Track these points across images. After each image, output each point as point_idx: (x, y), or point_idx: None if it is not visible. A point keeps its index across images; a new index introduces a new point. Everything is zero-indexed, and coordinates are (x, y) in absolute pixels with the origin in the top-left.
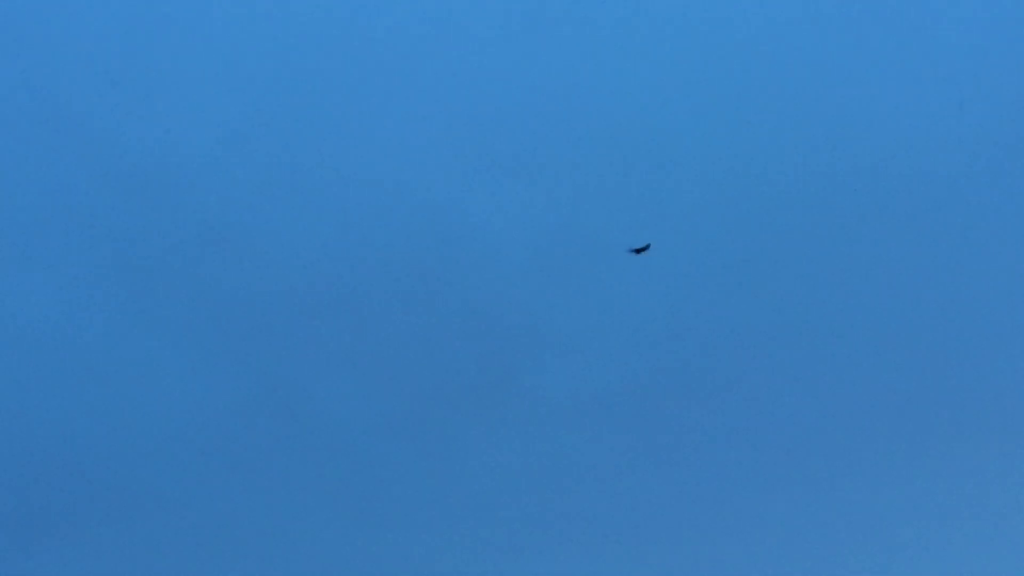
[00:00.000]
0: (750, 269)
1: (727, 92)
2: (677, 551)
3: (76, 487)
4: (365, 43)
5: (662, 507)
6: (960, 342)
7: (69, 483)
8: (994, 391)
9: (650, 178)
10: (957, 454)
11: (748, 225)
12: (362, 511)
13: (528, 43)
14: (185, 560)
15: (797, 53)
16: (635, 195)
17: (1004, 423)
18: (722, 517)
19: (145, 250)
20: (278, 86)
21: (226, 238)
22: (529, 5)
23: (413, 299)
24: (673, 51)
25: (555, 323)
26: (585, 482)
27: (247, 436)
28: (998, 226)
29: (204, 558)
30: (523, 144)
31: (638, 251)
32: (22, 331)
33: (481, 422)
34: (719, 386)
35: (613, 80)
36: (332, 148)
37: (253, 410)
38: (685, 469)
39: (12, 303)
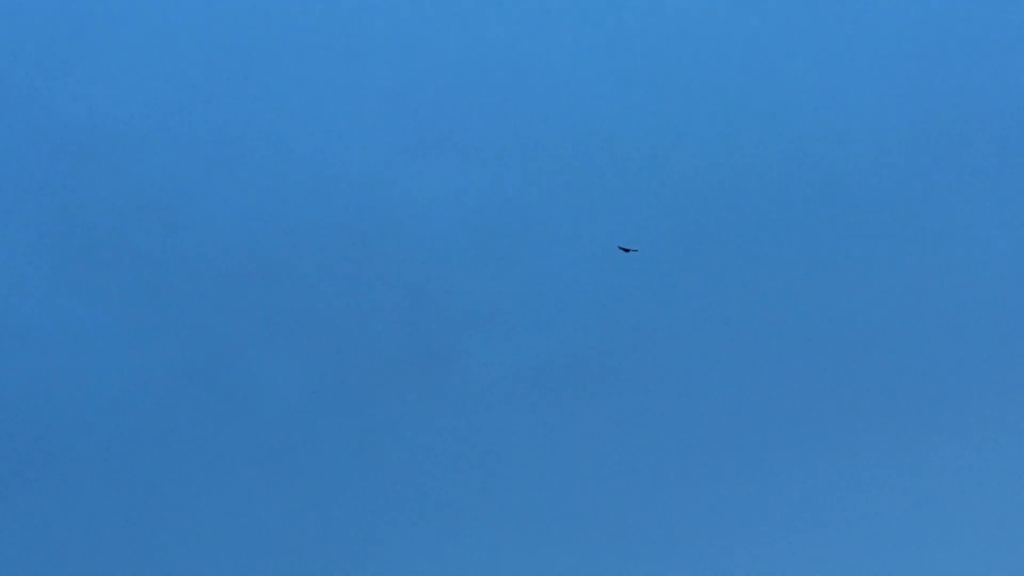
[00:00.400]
0: (683, 252)
1: (659, 76)
2: (606, 522)
3: (8, 451)
4: (303, 18)
5: (593, 480)
6: (885, 336)
7: (0, 447)
8: (938, 381)
9: (586, 160)
10: (879, 441)
11: (681, 209)
12: (295, 480)
13: (465, 23)
14: (118, 523)
15: (738, 46)
16: (571, 177)
17: (942, 413)
18: (651, 490)
19: (80, 218)
20: (215, 59)
21: (161, 210)
22: None
23: (349, 273)
24: (611, 34)
25: (490, 300)
26: (518, 456)
27: (181, 404)
28: (945, 222)
29: (136, 521)
30: (464, 123)
31: (626, 250)
32: None
33: (415, 396)
34: (650, 364)
35: (548, 61)
36: (270, 122)
37: (187, 378)
38: (616, 444)
39: None
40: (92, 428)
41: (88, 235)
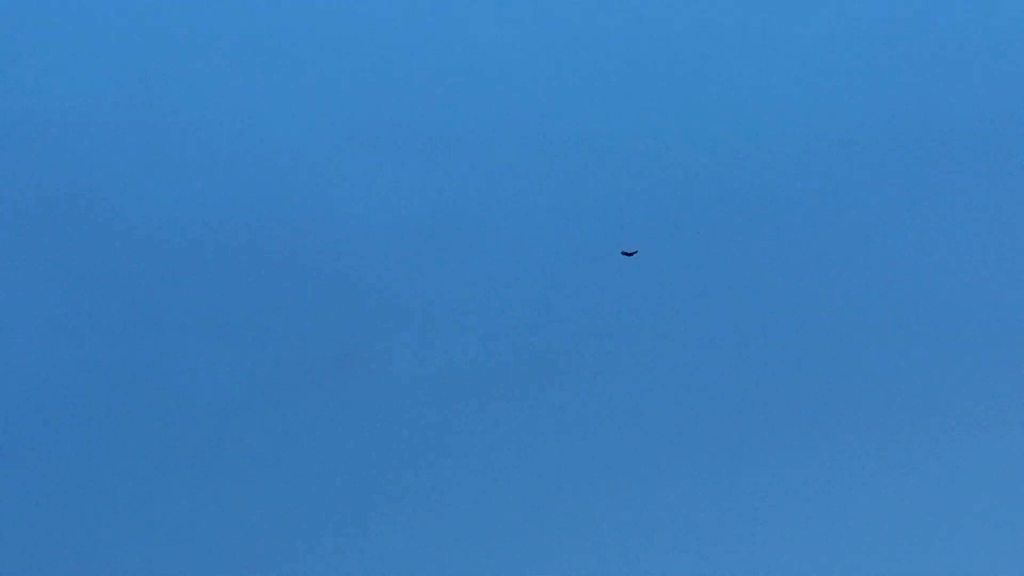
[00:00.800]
0: (605, 254)
1: (597, 71)
2: (521, 523)
3: None
4: (232, 10)
5: (515, 482)
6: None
7: None
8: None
9: (510, 161)
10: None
11: (605, 210)
12: (214, 477)
13: (400, 17)
14: (32, 522)
15: (656, 42)
16: (503, 175)
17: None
18: (566, 491)
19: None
20: (142, 50)
21: (82, 203)
22: None
23: (272, 271)
24: (537, 32)
25: (416, 300)
26: (441, 457)
27: (101, 400)
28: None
29: (53, 518)
30: (391, 119)
31: (628, 254)
32: None
33: (335, 396)
34: (581, 366)
35: (483, 58)
36: (197, 115)
37: (107, 374)
38: (533, 446)
39: None
40: (7, 427)
41: (4, 228)
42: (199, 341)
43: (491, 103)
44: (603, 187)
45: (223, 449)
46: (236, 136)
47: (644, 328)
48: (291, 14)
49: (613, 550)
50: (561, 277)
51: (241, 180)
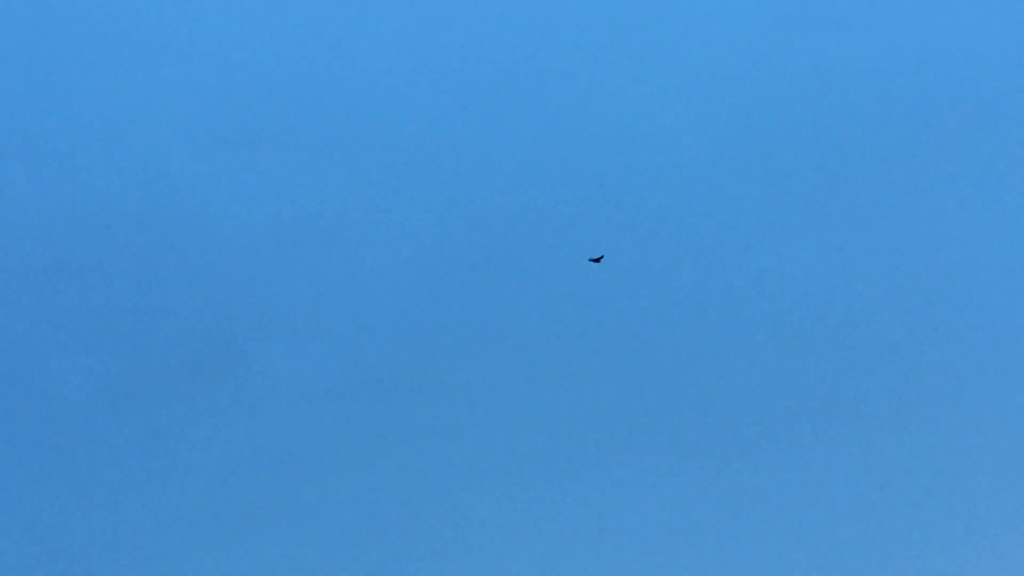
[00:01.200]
0: (483, 260)
1: (445, 82)
2: (400, 535)
3: None
4: (99, 8)
5: (379, 492)
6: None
7: None
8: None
9: (382, 168)
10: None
11: (478, 217)
12: (75, 481)
13: (268, 26)
14: None
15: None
16: (374, 180)
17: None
18: (437, 502)
19: None
20: (12, 49)
21: None
22: None
23: (137, 274)
24: (406, 38)
25: (283, 308)
26: (306, 465)
27: None
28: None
29: None
30: (263, 125)
31: (595, 260)
32: None
33: (204, 403)
34: (452, 376)
35: (351, 60)
36: (59, 114)
37: None
38: (404, 457)
39: None
40: None
41: None
42: (62, 343)
43: (365, 108)
44: (472, 194)
45: (85, 452)
46: (100, 137)
47: (511, 336)
48: (162, 12)
49: (479, 554)
50: (432, 284)
51: (106, 182)
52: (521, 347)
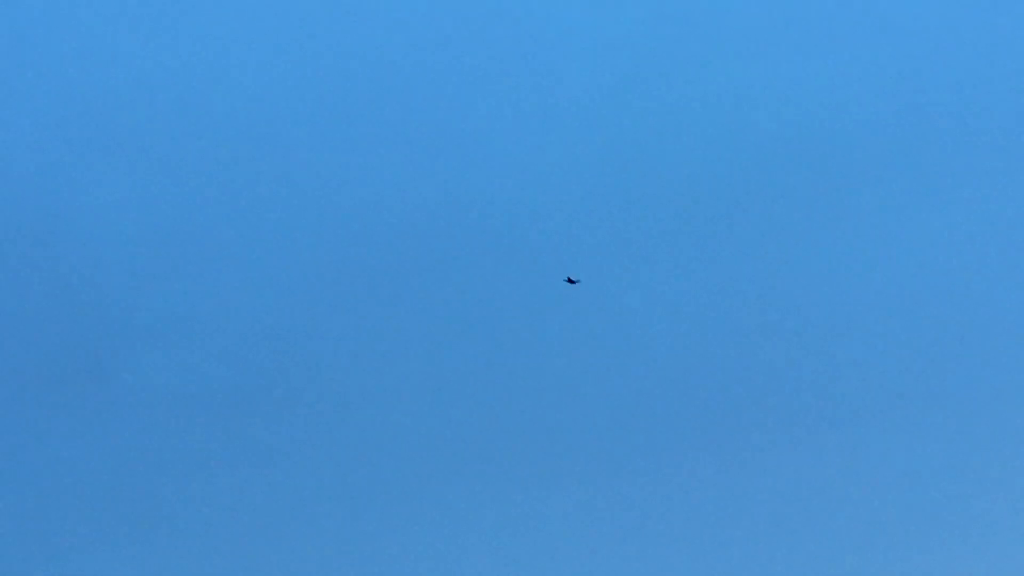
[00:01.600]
0: (348, 269)
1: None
2: (253, 538)
3: None
4: None
5: (248, 502)
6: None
7: None
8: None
9: (251, 179)
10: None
11: (351, 224)
12: None
13: (129, 30)
14: None
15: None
16: (232, 193)
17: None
18: (302, 508)
19: None
20: None
21: None
22: None
23: (5, 277)
24: (268, 43)
25: (152, 316)
26: (171, 476)
27: None
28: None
29: None
30: (126, 133)
31: (571, 281)
32: None
33: (68, 411)
34: (314, 386)
35: (211, 72)
36: None
37: None
38: (275, 466)
39: None
40: None
41: None
42: None
43: (232, 117)
44: (343, 200)
45: None
46: None
47: (379, 344)
48: (29, 25)
49: (351, 557)
50: (298, 292)
51: None
52: (384, 355)
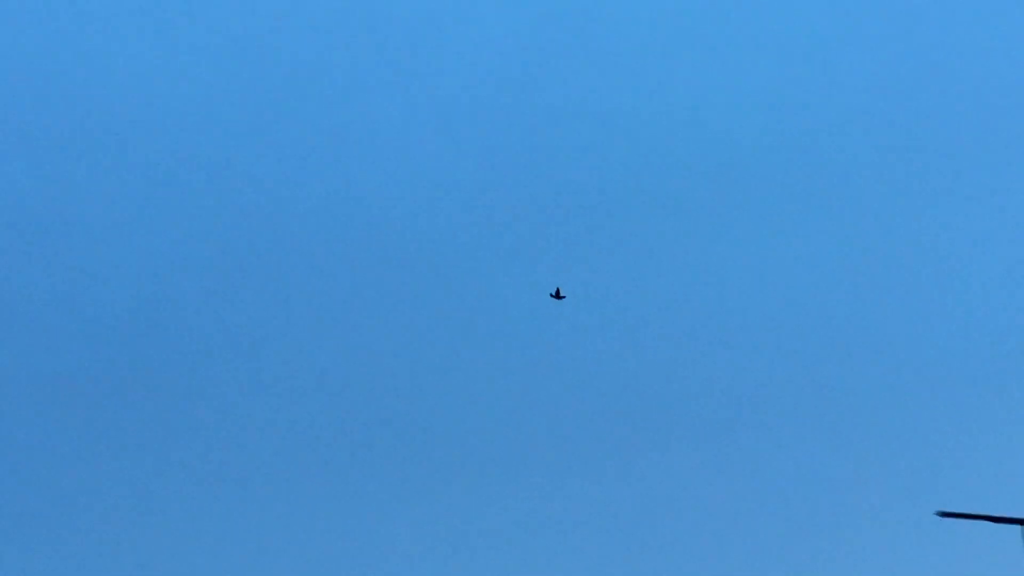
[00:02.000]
0: (230, 266)
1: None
2: (113, 533)
3: None
4: None
5: (108, 491)
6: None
7: None
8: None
9: (117, 161)
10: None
11: (229, 211)
12: None
13: (41, 17)
14: None
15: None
16: (104, 182)
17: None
18: (174, 502)
19: None
20: None
21: None
22: None
23: None
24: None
25: (10, 307)
26: (26, 458)
27: None
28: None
29: None
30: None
31: (557, 296)
32: None
33: None
34: (180, 378)
35: (95, 65)
36: None
37: None
38: (135, 459)
39: None
40: None
41: None
42: None
43: (108, 105)
44: (227, 192)
45: None
46: None
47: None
48: None
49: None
50: (171, 284)
51: None
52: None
